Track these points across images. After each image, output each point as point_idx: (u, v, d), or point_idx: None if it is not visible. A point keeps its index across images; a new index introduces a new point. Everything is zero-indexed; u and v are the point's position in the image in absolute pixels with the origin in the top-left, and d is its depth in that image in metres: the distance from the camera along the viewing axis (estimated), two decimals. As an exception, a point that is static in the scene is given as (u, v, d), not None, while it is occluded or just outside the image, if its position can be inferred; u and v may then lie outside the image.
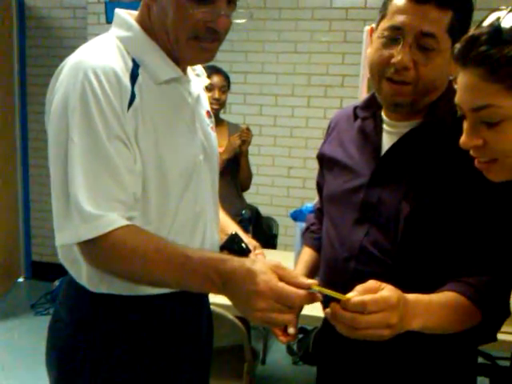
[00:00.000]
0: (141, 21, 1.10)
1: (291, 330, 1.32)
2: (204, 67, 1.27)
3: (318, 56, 3.81)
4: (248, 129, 2.97)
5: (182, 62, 1.13)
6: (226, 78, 2.99)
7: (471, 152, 0.91)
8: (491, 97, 0.84)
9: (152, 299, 1.12)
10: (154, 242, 1.01)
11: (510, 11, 0.83)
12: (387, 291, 0.89)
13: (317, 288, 0.90)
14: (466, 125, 0.90)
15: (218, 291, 0.95)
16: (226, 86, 2.96)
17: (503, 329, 1.71)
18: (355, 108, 1.28)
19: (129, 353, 1.13)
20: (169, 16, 1.03)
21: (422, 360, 1.17)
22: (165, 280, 1.00)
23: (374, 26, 1.17)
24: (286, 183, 3.99)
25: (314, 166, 4.16)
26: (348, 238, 1.19)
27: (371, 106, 1.23)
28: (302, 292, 0.89)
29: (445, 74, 1.11)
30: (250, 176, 3.18)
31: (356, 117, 1.26)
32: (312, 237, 1.47)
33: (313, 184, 3.95)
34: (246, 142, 2.95)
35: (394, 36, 1.07)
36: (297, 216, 2.17)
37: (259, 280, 0.88)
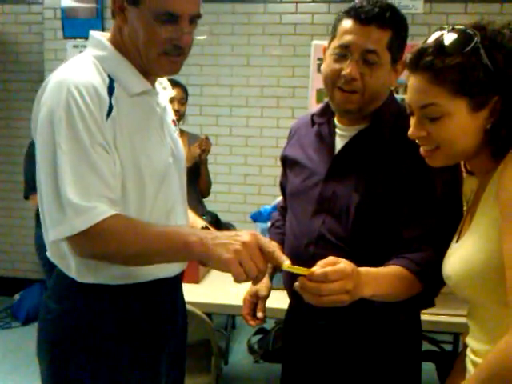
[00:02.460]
0: (113, 41, 1.23)
1: (260, 314, 1.51)
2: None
3: (269, 69, 4.00)
4: (207, 138, 3.10)
5: (151, 76, 1.27)
6: (185, 90, 3.11)
7: (417, 141, 1.12)
8: (435, 97, 1.04)
9: (136, 287, 1.24)
10: (141, 222, 1.15)
11: (449, 30, 1.05)
12: (343, 264, 1.06)
13: (286, 267, 1.04)
14: (413, 120, 1.11)
15: (203, 247, 1.04)
16: (184, 99, 3.09)
17: (445, 311, 1.92)
18: (312, 115, 1.47)
19: (115, 339, 1.24)
20: (139, 36, 1.17)
21: (374, 342, 1.35)
22: (156, 251, 1.11)
23: (326, 45, 1.36)
24: (242, 190, 4.14)
25: (269, 172, 4.37)
26: (308, 227, 1.36)
27: (326, 114, 1.42)
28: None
29: (386, 84, 1.32)
30: (209, 183, 3.32)
31: (313, 123, 1.45)
32: (277, 232, 1.64)
33: (268, 190, 4.15)
34: (205, 151, 3.09)
35: (343, 53, 1.27)
36: (256, 217, 2.30)
37: (244, 233, 1.04)
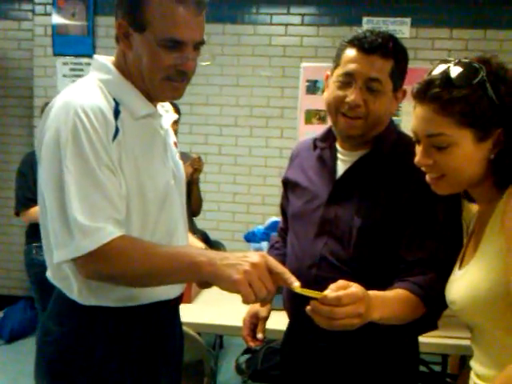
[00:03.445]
0: (117, 65, 1.25)
1: (260, 336, 1.54)
2: None
3: (259, 89, 4.06)
4: (199, 158, 3.13)
5: (154, 100, 1.29)
6: (178, 110, 3.15)
7: (424, 169, 1.15)
8: (442, 127, 1.08)
9: (137, 310, 1.24)
10: (149, 243, 1.16)
11: (455, 63, 1.09)
12: (355, 287, 1.08)
13: (298, 290, 1.06)
14: (419, 148, 1.14)
15: (212, 267, 1.05)
16: (178, 118, 3.13)
17: (434, 333, 1.94)
18: (315, 140, 1.50)
19: (115, 361, 1.24)
20: (144, 61, 1.19)
21: (373, 364, 1.37)
22: (165, 271, 1.12)
23: (328, 73, 1.40)
24: (231, 209, 4.17)
25: (258, 191, 4.41)
26: (310, 249, 1.39)
27: (328, 138, 1.45)
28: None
29: (388, 111, 1.36)
30: (200, 202, 3.34)
31: (315, 147, 1.48)
32: (277, 253, 1.64)
33: (256, 209, 4.19)
34: (197, 170, 3.11)
35: (347, 80, 1.31)
36: (250, 238, 2.32)
37: (253, 254, 1.05)
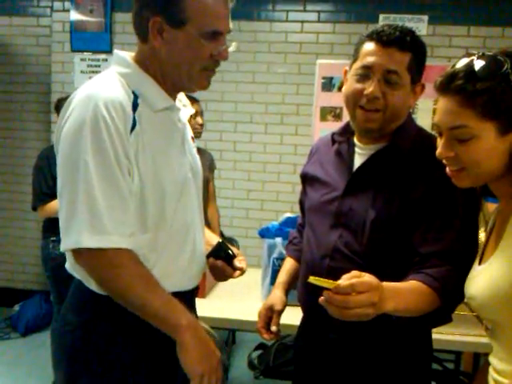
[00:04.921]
0: (137, 60, 1.28)
1: (274, 328, 1.54)
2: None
3: (274, 86, 4.06)
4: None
5: (174, 93, 1.31)
6: (198, 103, 3.19)
7: (444, 161, 1.15)
8: (465, 119, 1.08)
9: None
10: (146, 271, 1.19)
11: (479, 56, 1.09)
12: (368, 277, 1.08)
13: (312, 280, 1.07)
14: (441, 140, 1.14)
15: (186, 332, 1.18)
16: (202, 111, 3.19)
17: (448, 330, 1.93)
18: (333, 134, 1.52)
19: (133, 350, 1.26)
20: (183, 55, 1.23)
21: (385, 357, 1.37)
22: (143, 306, 1.17)
23: (347, 68, 1.42)
24: (245, 205, 4.18)
25: (272, 188, 4.42)
26: (324, 240, 1.41)
27: (346, 133, 1.48)
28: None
29: (406, 104, 1.36)
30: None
31: (333, 141, 1.51)
32: (294, 248, 1.68)
33: (270, 206, 4.20)
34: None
35: (366, 73, 1.33)
36: (264, 233, 2.32)
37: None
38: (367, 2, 3.88)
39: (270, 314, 1.57)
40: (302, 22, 3.99)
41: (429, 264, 1.26)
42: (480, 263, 1.17)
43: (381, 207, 1.33)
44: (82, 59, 4.17)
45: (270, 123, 4.09)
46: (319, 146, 1.60)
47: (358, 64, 1.35)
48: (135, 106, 1.21)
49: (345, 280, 1.06)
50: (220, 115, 4.10)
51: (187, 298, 1.35)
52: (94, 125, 1.14)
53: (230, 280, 1.48)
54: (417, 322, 1.26)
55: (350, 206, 1.38)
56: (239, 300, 2.31)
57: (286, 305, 1.59)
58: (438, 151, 1.15)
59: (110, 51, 4.03)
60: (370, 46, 1.33)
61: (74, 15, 4.09)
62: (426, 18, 3.84)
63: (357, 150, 1.44)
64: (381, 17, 3.88)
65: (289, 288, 1.62)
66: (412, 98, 1.37)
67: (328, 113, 3.93)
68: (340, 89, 3.90)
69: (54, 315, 3.10)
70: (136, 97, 1.23)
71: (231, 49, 1.28)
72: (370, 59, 1.32)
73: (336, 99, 3.92)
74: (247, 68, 4.05)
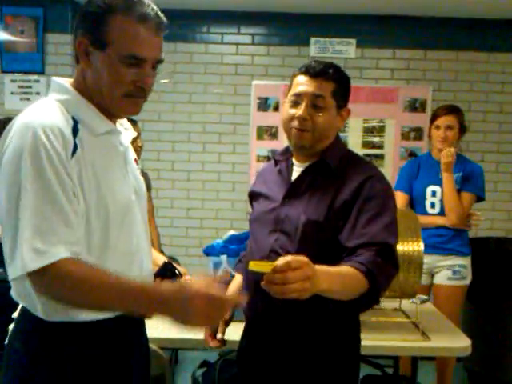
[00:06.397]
0: (76, 85, 1.29)
1: (219, 336, 1.65)
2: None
3: (211, 106, 4.13)
4: None
5: (114, 116, 1.33)
6: (137, 125, 3.19)
7: None
8: None
9: (105, 323, 1.25)
10: (97, 271, 1.17)
11: None
12: (300, 256, 1.20)
13: (252, 266, 1.17)
14: None
15: (159, 311, 1.15)
16: (139, 134, 3.18)
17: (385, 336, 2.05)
18: (274, 156, 1.74)
19: (84, 377, 1.24)
20: (104, 78, 1.23)
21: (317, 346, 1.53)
22: (110, 305, 1.16)
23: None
24: (184, 224, 4.20)
25: (211, 206, 4.44)
26: (263, 244, 1.59)
27: (286, 153, 1.70)
28: (227, 296, 1.16)
29: (333, 126, 1.58)
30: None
31: (276, 162, 1.72)
32: (242, 266, 1.78)
33: (210, 223, 4.21)
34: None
35: (297, 100, 1.56)
36: (209, 251, 2.35)
37: (192, 288, 1.12)
38: (299, 26, 4.04)
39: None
40: (237, 44, 4.10)
41: (356, 254, 1.41)
42: None
43: (311, 211, 1.52)
44: (12, 80, 4.07)
45: (207, 142, 4.15)
46: (264, 168, 1.81)
47: (291, 93, 1.59)
48: (75, 131, 1.22)
49: (280, 260, 1.17)
50: (157, 135, 4.11)
51: (135, 321, 1.36)
52: (33, 151, 1.13)
53: None
54: (351, 305, 1.40)
55: (286, 214, 1.56)
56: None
57: (232, 315, 1.68)
58: None
59: (42, 72, 3.96)
60: (300, 78, 1.57)
61: (4, 35, 4.00)
62: (354, 41, 4.05)
63: (294, 167, 1.65)
64: (312, 40, 4.05)
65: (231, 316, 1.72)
66: (339, 121, 1.61)
67: (264, 132, 4.04)
68: (275, 109, 4.04)
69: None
70: (76, 122, 1.23)
71: (163, 80, 1.31)
72: (301, 88, 1.56)
73: (272, 119, 4.06)
74: (184, 88, 4.10)
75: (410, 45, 4.03)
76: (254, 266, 1.18)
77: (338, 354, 1.56)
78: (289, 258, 1.18)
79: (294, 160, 1.65)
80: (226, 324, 1.68)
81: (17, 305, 2.05)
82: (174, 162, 4.17)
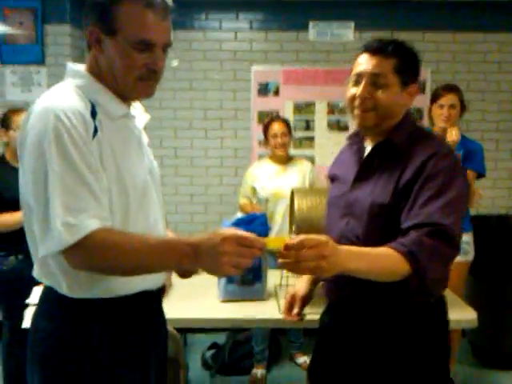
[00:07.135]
0: (90, 70, 1.32)
1: (295, 311, 1.74)
2: None
3: (212, 92, 4.16)
4: None
5: (129, 99, 1.36)
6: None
7: None
8: None
9: (126, 300, 1.30)
10: (128, 234, 1.22)
11: None
12: (317, 235, 1.22)
13: (269, 240, 1.19)
14: None
15: (192, 260, 1.16)
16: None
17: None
18: (349, 136, 1.73)
19: (109, 352, 1.28)
20: (117, 63, 1.27)
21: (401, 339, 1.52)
22: (146, 263, 1.19)
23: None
24: (189, 210, 4.24)
25: (215, 192, 4.48)
26: (334, 228, 1.60)
27: (358, 135, 1.67)
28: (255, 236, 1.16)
29: (398, 103, 1.53)
30: None
31: (352, 143, 1.70)
32: None
33: (215, 208, 4.25)
34: None
35: (357, 79, 1.54)
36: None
37: (221, 233, 1.14)
38: (297, 10, 4.05)
39: (293, 300, 1.76)
40: (236, 30, 4.11)
41: (406, 236, 1.38)
42: None
43: (377, 194, 1.50)
44: (12, 72, 4.08)
45: (209, 128, 4.18)
46: (344, 148, 1.78)
47: (353, 72, 1.57)
48: (94, 114, 1.25)
49: (295, 238, 1.20)
50: (159, 122, 4.13)
51: (155, 296, 1.41)
52: (56, 134, 1.16)
53: (187, 280, 1.53)
54: (399, 287, 1.37)
55: (356, 197, 1.55)
56: (191, 300, 2.34)
57: (310, 292, 1.77)
58: None
59: (42, 63, 3.98)
60: (361, 57, 1.55)
61: (3, 28, 4.01)
62: (352, 24, 4.07)
63: (366, 148, 1.62)
64: (310, 24, 4.07)
65: (314, 281, 1.80)
66: (406, 98, 1.55)
67: (265, 116, 4.07)
68: (276, 93, 4.07)
69: (3, 331, 3.04)
70: (93, 105, 1.27)
71: (172, 64, 1.33)
72: (360, 67, 1.54)
73: (272, 103, 4.09)
74: (184, 75, 4.12)
75: (407, 26, 4.05)
76: (271, 242, 1.18)
77: (425, 347, 1.52)
78: (303, 236, 1.19)
79: (366, 141, 1.64)
80: (304, 301, 1.74)
81: (30, 291, 2.11)
82: (176, 148, 4.20)
